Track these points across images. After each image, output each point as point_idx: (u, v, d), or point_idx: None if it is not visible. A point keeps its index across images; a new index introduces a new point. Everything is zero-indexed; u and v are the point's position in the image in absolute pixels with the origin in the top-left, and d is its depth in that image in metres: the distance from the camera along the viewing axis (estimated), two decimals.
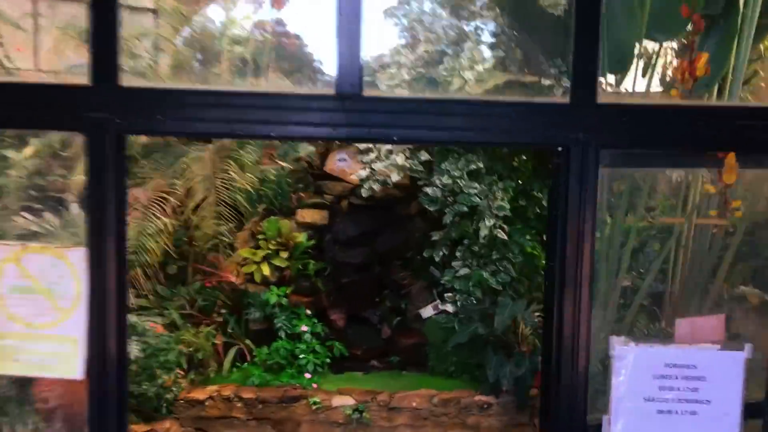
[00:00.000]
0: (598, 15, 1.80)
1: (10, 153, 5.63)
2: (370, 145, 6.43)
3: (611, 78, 4.49)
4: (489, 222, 5.98)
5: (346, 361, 6.62)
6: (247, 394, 5.74)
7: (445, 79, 6.02)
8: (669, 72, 6.51)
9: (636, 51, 4.98)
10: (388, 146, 6.32)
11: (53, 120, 1.80)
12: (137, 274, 6.17)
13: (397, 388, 5.99)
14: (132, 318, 5.47)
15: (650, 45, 5.89)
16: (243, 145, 7.11)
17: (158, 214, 6.48)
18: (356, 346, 6.76)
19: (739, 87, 4.17)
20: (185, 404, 5.65)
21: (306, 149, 7.58)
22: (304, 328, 6.40)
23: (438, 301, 6.64)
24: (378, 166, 6.38)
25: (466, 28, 6.74)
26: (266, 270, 6.60)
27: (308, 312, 6.59)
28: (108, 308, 1.83)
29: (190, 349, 5.96)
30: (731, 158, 2.01)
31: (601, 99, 1.86)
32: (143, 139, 6.84)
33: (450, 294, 6.29)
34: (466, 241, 6.29)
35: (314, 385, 6.01)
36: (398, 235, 7.10)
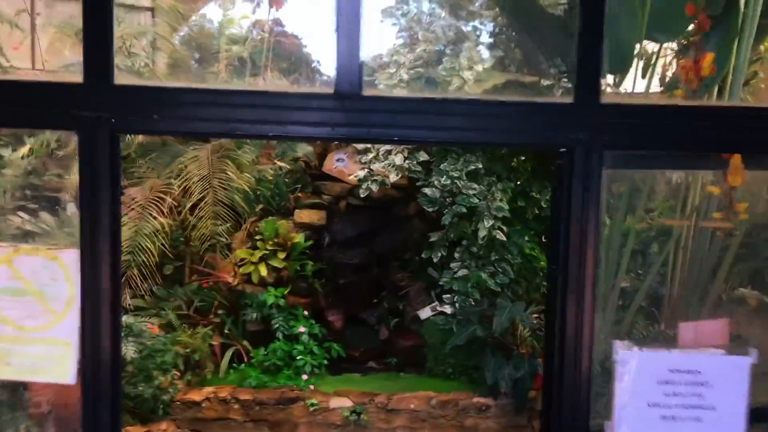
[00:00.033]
0: (603, 13, 1.76)
1: (5, 152, 5.58)
2: (369, 146, 6.39)
3: (611, 78, 4.46)
4: (488, 223, 5.94)
5: (344, 363, 6.58)
6: (244, 396, 5.70)
7: (444, 79, 5.99)
8: (669, 72, 6.50)
9: (636, 51, 4.95)
10: (387, 146, 6.29)
11: (45, 119, 1.76)
12: (134, 274, 6.13)
13: (395, 390, 5.96)
14: (128, 319, 5.43)
15: (649, 46, 5.87)
16: (241, 144, 7.07)
17: (155, 214, 6.45)
18: (354, 348, 6.73)
19: (740, 88, 4.15)
20: (182, 406, 5.61)
21: (304, 149, 7.55)
22: (302, 329, 6.36)
23: (436, 302, 6.61)
24: (376, 166, 6.34)
25: (466, 28, 6.71)
26: (263, 271, 6.56)
27: (306, 313, 6.56)
28: (101, 311, 1.79)
29: (187, 350, 5.92)
30: (736, 160, 1.98)
31: (605, 99, 1.82)
32: (140, 138, 6.81)
33: (448, 295, 6.25)
34: (464, 242, 6.26)
35: (311, 387, 5.97)
36: (396, 235, 7.06)
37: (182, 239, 6.87)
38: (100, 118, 1.72)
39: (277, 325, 6.34)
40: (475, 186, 6.03)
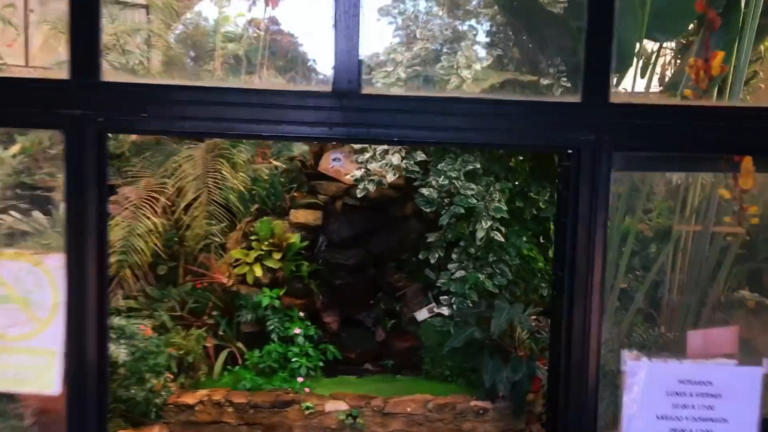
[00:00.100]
0: (612, 9, 1.69)
1: None
2: (366, 145, 6.31)
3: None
4: (486, 224, 5.87)
5: (340, 365, 6.51)
6: (238, 399, 5.62)
7: (442, 78, 5.91)
8: (668, 72, 6.45)
9: (635, 51, 4.89)
10: (384, 146, 6.21)
11: (30, 117, 1.68)
12: (126, 274, 6.05)
13: (392, 393, 5.89)
14: (121, 320, 5.35)
15: (648, 45, 5.81)
16: (236, 143, 6.99)
17: (149, 214, 6.37)
18: (350, 350, 6.65)
19: (741, 87, 4.10)
20: (175, 409, 5.53)
21: (300, 148, 7.46)
22: (297, 330, 6.28)
23: (433, 303, 6.54)
24: (373, 166, 6.27)
25: (464, 27, 6.64)
26: (258, 271, 6.48)
27: (301, 314, 6.48)
28: (87, 318, 1.71)
29: (181, 352, 5.84)
30: (748, 162, 1.91)
31: (613, 98, 1.75)
32: (134, 136, 6.73)
33: (445, 297, 6.19)
34: (462, 243, 6.19)
35: (307, 390, 5.90)
36: (393, 236, 6.99)
37: (176, 239, 6.79)
38: (86, 116, 1.64)
39: (272, 327, 6.26)
40: (473, 186, 5.96)
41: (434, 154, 6.20)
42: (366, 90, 1.71)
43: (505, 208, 5.98)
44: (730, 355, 2.00)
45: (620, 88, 4.79)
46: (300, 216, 6.93)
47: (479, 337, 5.71)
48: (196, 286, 6.64)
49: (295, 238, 6.71)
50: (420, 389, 5.95)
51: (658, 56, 5.96)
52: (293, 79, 9.01)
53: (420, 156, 6.25)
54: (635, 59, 5.27)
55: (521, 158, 6.48)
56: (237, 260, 6.64)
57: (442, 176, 5.96)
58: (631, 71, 5.10)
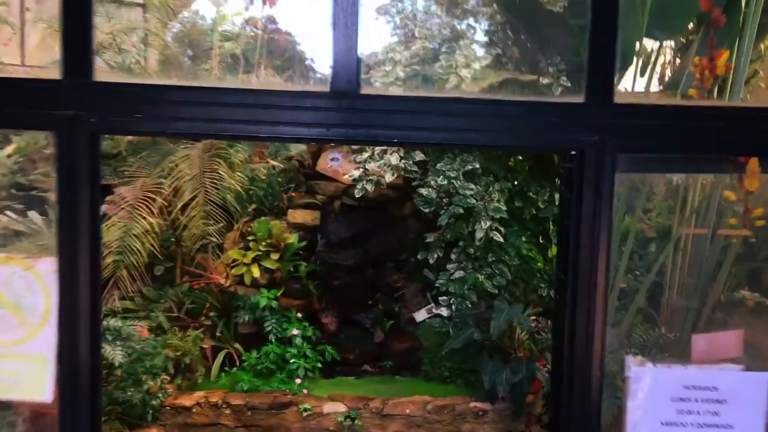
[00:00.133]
0: (617, 8, 1.65)
1: None
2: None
3: None
4: (485, 224, 5.84)
5: (338, 366, 6.47)
6: (236, 401, 5.58)
7: (441, 77, 5.87)
8: (668, 71, 6.41)
9: (635, 50, 4.85)
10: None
11: (20, 118, 1.64)
12: (122, 275, 6.00)
13: (390, 394, 5.85)
14: (117, 322, 5.30)
15: (648, 44, 5.78)
16: (233, 143, 6.94)
17: (145, 214, 6.33)
18: (348, 351, 6.61)
19: (742, 87, 4.07)
20: (171, 411, 5.49)
21: (298, 148, 7.42)
22: (295, 331, 6.24)
23: (432, 304, 6.50)
24: (371, 165, 6.23)
25: (462, 26, 6.60)
26: (256, 272, 6.44)
27: (299, 315, 6.44)
28: (80, 324, 1.67)
29: (177, 353, 5.79)
30: (754, 164, 1.88)
31: (617, 99, 1.71)
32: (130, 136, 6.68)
33: (444, 297, 6.15)
34: (461, 243, 6.15)
35: (305, 391, 5.86)
36: (391, 236, 6.95)
37: (173, 239, 6.74)
38: (79, 117, 1.60)
39: (269, 328, 6.22)
40: (472, 186, 5.92)
41: (433, 154, 6.16)
42: (365, 90, 1.67)
43: (504, 208, 5.95)
44: (735, 360, 1.97)
45: (620, 87, 4.76)
46: (298, 216, 6.89)
47: (478, 338, 5.67)
48: (193, 286, 6.59)
49: (292, 238, 6.67)
50: (419, 390, 5.91)
51: (658, 55, 5.92)
52: (291, 79, 8.97)
53: (419, 156, 6.21)
54: (635, 58, 5.24)
55: (520, 158, 6.45)
56: (234, 261, 6.59)
57: (441, 176, 5.93)
58: (630, 70, 5.07)
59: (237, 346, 6.31)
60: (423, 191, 6.09)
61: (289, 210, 6.96)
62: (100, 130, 1.63)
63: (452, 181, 5.89)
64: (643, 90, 5.61)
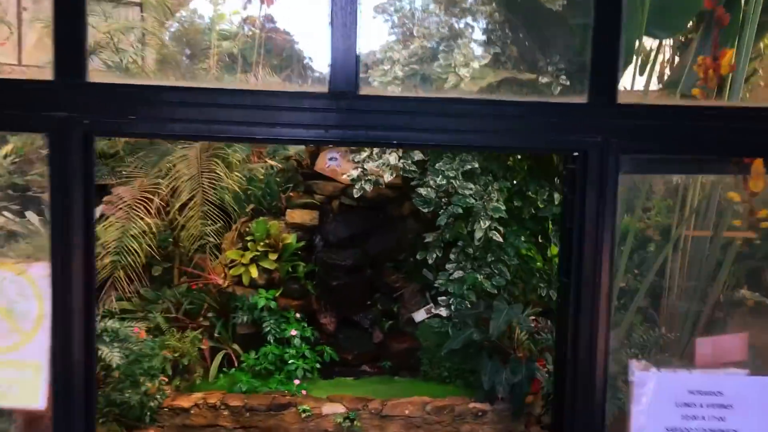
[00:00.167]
0: (620, 6, 1.62)
1: None
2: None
3: None
4: (484, 224, 5.81)
5: (337, 366, 6.45)
6: (234, 402, 5.55)
7: (440, 76, 5.84)
8: (667, 70, 6.39)
9: (634, 48, 4.83)
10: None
11: (11, 120, 1.61)
12: (120, 276, 5.97)
13: (389, 394, 5.82)
14: (114, 323, 5.26)
15: (647, 42, 5.75)
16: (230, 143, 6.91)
17: (142, 215, 6.30)
18: (347, 351, 6.58)
19: (742, 86, 4.05)
20: (169, 412, 5.46)
21: (296, 148, 7.38)
22: (294, 332, 6.21)
23: (431, 304, 6.47)
24: (370, 165, 6.19)
25: (461, 24, 6.57)
26: (254, 272, 6.41)
27: (297, 315, 6.41)
28: (74, 329, 1.64)
29: (175, 354, 5.76)
30: (759, 165, 1.85)
31: (621, 99, 1.68)
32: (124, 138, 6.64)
33: (443, 297, 6.12)
34: (460, 243, 6.13)
35: (303, 392, 5.83)
36: (390, 236, 6.92)
37: (171, 240, 6.71)
38: (72, 118, 1.57)
39: (268, 328, 6.19)
40: (471, 186, 5.89)
41: (432, 154, 6.13)
42: (364, 90, 1.64)
43: (503, 207, 5.92)
44: (740, 364, 1.94)
45: (619, 86, 4.73)
46: (296, 216, 6.86)
47: (478, 338, 5.64)
48: (191, 287, 6.56)
49: (291, 238, 6.64)
50: (418, 391, 5.89)
51: (657, 54, 5.89)
52: (289, 78, 8.94)
53: (417, 155, 6.18)
54: (634, 57, 5.21)
55: (519, 157, 6.42)
56: (232, 261, 6.56)
57: (440, 176, 5.90)
58: (629, 69, 5.04)
59: (235, 346, 6.29)
60: (422, 191, 6.06)
61: (288, 210, 6.93)
62: (93, 132, 1.60)
63: (451, 180, 5.87)
64: (642, 89, 5.59)
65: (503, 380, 5.43)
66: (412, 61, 6.14)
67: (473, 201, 5.87)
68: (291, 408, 5.56)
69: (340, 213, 6.92)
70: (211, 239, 6.61)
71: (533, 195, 6.33)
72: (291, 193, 7.04)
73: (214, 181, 6.56)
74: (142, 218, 6.26)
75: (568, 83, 5.59)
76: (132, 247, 6.09)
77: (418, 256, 6.40)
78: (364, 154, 6.26)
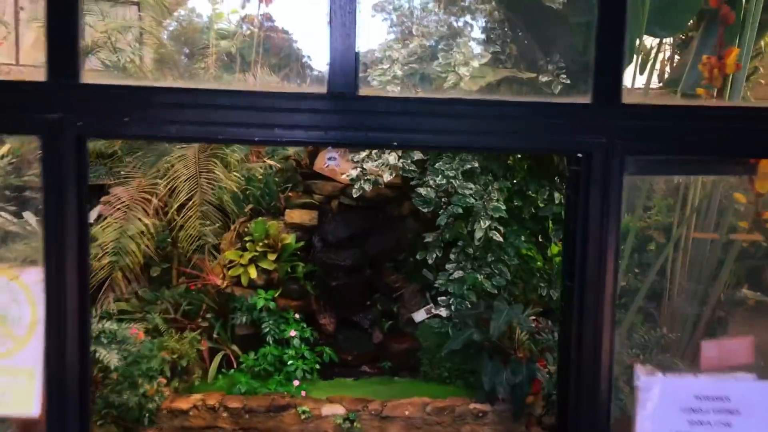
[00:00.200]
0: (625, 5, 1.59)
1: None
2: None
3: None
4: (484, 224, 5.78)
5: (336, 367, 6.42)
6: (233, 403, 5.52)
7: (439, 76, 5.81)
8: (667, 68, 6.36)
9: (634, 47, 4.81)
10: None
11: (2, 122, 1.57)
12: (118, 277, 5.94)
13: (389, 395, 5.80)
14: (112, 325, 5.23)
15: (647, 41, 5.74)
16: None
17: (140, 215, 6.26)
18: (347, 352, 6.55)
19: (743, 84, 4.03)
20: (168, 414, 5.42)
21: (295, 147, 7.35)
22: (293, 333, 6.18)
23: (431, 304, 6.44)
24: (369, 165, 6.16)
25: (460, 23, 6.54)
26: (253, 273, 6.38)
27: (297, 316, 6.38)
28: (68, 335, 1.60)
29: (174, 355, 5.73)
30: (765, 165, 1.82)
31: (626, 99, 1.65)
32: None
33: (443, 297, 6.09)
34: (460, 243, 6.10)
35: (303, 393, 5.80)
36: (389, 236, 6.89)
37: (169, 240, 6.68)
38: (65, 120, 1.53)
39: (267, 329, 6.16)
40: (471, 186, 5.86)
41: (431, 153, 6.11)
42: (363, 91, 1.61)
43: (503, 207, 5.89)
44: (747, 367, 1.91)
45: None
46: (295, 216, 6.83)
47: (478, 338, 5.62)
48: (190, 287, 6.53)
49: (290, 238, 6.61)
50: (418, 391, 5.86)
51: (658, 52, 5.87)
52: (287, 77, 8.91)
53: (417, 155, 6.15)
54: (635, 56, 5.19)
55: (519, 156, 6.39)
56: (231, 261, 6.53)
57: (440, 175, 5.87)
58: (630, 68, 5.02)
59: (234, 347, 6.25)
60: (421, 191, 6.03)
61: (287, 210, 6.90)
62: (87, 134, 1.56)
63: (451, 180, 5.84)
64: (642, 87, 5.57)
65: (504, 381, 5.41)
66: (411, 60, 6.11)
67: (473, 201, 5.84)
68: (290, 409, 5.53)
69: (340, 213, 6.88)
70: (210, 240, 6.58)
71: (533, 194, 6.31)
72: (290, 193, 7.01)
73: (212, 181, 6.53)
74: (140, 219, 6.23)
75: (568, 82, 5.56)
76: (130, 247, 6.05)
77: (417, 256, 6.37)
78: (363, 154, 6.23)
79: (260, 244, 6.50)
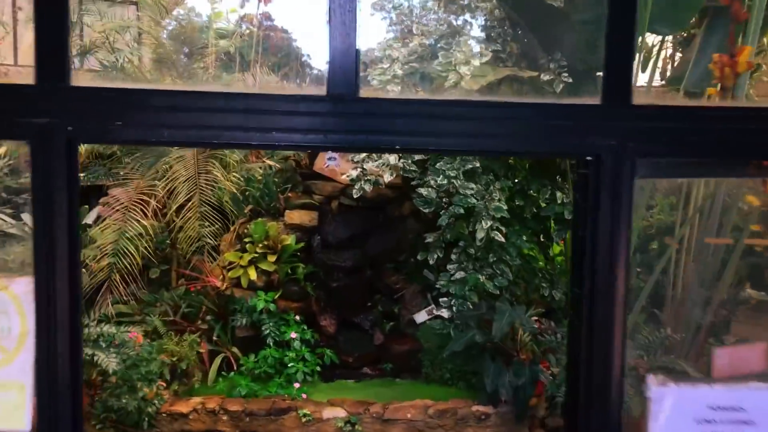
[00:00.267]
0: (635, 4, 1.53)
1: None
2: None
3: None
4: (486, 224, 5.72)
5: (337, 369, 6.36)
6: (233, 407, 5.46)
7: (440, 75, 5.74)
8: (669, 67, 6.30)
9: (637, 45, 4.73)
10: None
11: None
12: (116, 279, 5.89)
13: (391, 397, 5.75)
14: (111, 328, 5.18)
15: (648, 39, 5.68)
16: None
17: (139, 217, 6.21)
18: (348, 353, 6.50)
19: (746, 82, 3.97)
20: (168, 418, 5.37)
21: None
22: (293, 334, 6.13)
23: (432, 305, 6.39)
24: (369, 165, 6.10)
25: (460, 22, 6.47)
26: (253, 274, 6.32)
27: (297, 318, 6.33)
28: (60, 347, 1.55)
29: (173, 358, 5.68)
30: None
31: (639, 99, 1.59)
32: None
33: (445, 298, 6.03)
34: (461, 244, 6.03)
35: (304, 396, 5.75)
36: (390, 237, 6.83)
37: (168, 242, 6.62)
38: (54, 125, 1.47)
39: (267, 331, 6.11)
40: (473, 186, 5.80)
41: (432, 154, 6.04)
42: (364, 92, 1.55)
43: (505, 207, 5.83)
44: (760, 375, 1.86)
45: None
46: (295, 217, 6.77)
47: (480, 340, 5.56)
48: (190, 289, 6.48)
49: (290, 239, 6.55)
50: (420, 393, 5.81)
51: (660, 50, 5.81)
52: (287, 77, 8.85)
53: (418, 155, 6.09)
54: (636, 53, 5.11)
55: None
56: (231, 263, 6.47)
57: (441, 175, 5.81)
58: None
59: (234, 350, 6.20)
60: (422, 191, 5.97)
61: (286, 211, 6.84)
62: (77, 139, 1.50)
63: (452, 180, 5.78)
64: (644, 85, 5.51)
65: (506, 383, 5.35)
66: (411, 59, 6.05)
67: (475, 201, 5.78)
68: (291, 412, 5.48)
69: (340, 213, 6.83)
70: (209, 241, 6.53)
71: (535, 194, 6.25)
72: (290, 194, 6.95)
73: (211, 183, 6.47)
74: (138, 220, 6.18)
75: (570, 80, 5.50)
76: (129, 249, 6.00)
77: (419, 257, 6.31)
78: (364, 154, 6.17)
79: (260, 245, 6.44)
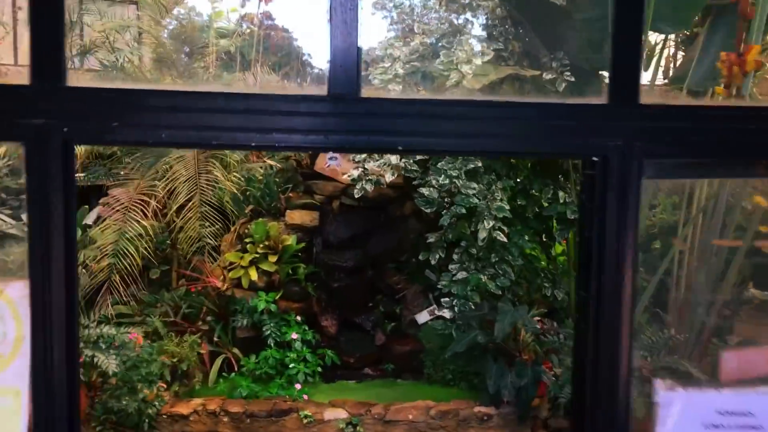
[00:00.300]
0: (643, 2, 1.50)
1: None
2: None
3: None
4: (488, 224, 5.69)
5: (339, 369, 6.34)
6: (234, 408, 5.44)
7: (442, 74, 5.71)
8: (672, 65, 6.26)
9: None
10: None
11: None
12: (116, 280, 5.86)
13: (392, 398, 5.72)
14: (111, 329, 5.15)
15: (651, 37, 5.64)
16: None
17: (139, 217, 6.19)
18: (349, 354, 6.47)
19: (750, 80, 3.93)
20: (168, 419, 5.35)
21: None
22: (294, 335, 6.10)
23: (434, 306, 6.36)
24: (371, 165, 6.07)
25: (462, 20, 6.44)
26: (254, 275, 6.29)
27: (298, 318, 6.30)
28: (56, 353, 1.52)
29: (174, 359, 5.65)
30: None
31: (644, 99, 1.56)
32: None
33: (447, 299, 6.00)
34: (463, 243, 6.00)
35: (305, 397, 5.72)
36: (392, 237, 6.80)
37: (168, 242, 6.60)
38: (50, 126, 1.44)
39: (268, 332, 6.08)
40: (475, 185, 5.77)
41: None
42: (365, 92, 1.52)
43: (507, 207, 5.80)
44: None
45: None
46: (296, 217, 6.74)
47: (482, 340, 5.53)
48: (190, 290, 6.45)
49: (291, 239, 6.52)
50: (421, 394, 5.78)
51: (663, 48, 5.78)
52: (287, 76, 8.82)
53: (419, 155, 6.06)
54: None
55: None
56: (231, 263, 6.45)
57: (443, 175, 5.78)
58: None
59: (235, 350, 6.18)
60: (424, 191, 5.94)
61: (287, 211, 6.81)
62: (73, 140, 1.47)
63: (454, 180, 5.74)
64: (648, 84, 5.47)
65: (509, 383, 5.32)
66: (412, 58, 6.01)
67: (476, 200, 5.74)
68: (292, 414, 5.45)
69: (341, 213, 6.80)
70: (210, 241, 6.50)
71: (537, 193, 6.21)
72: (290, 194, 6.92)
73: (212, 183, 6.44)
74: (138, 221, 6.15)
75: (572, 79, 5.47)
76: (129, 249, 5.98)
77: (420, 257, 6.28)
78: (365, 154, 6.14)
79: (261, 245, 6.42)
